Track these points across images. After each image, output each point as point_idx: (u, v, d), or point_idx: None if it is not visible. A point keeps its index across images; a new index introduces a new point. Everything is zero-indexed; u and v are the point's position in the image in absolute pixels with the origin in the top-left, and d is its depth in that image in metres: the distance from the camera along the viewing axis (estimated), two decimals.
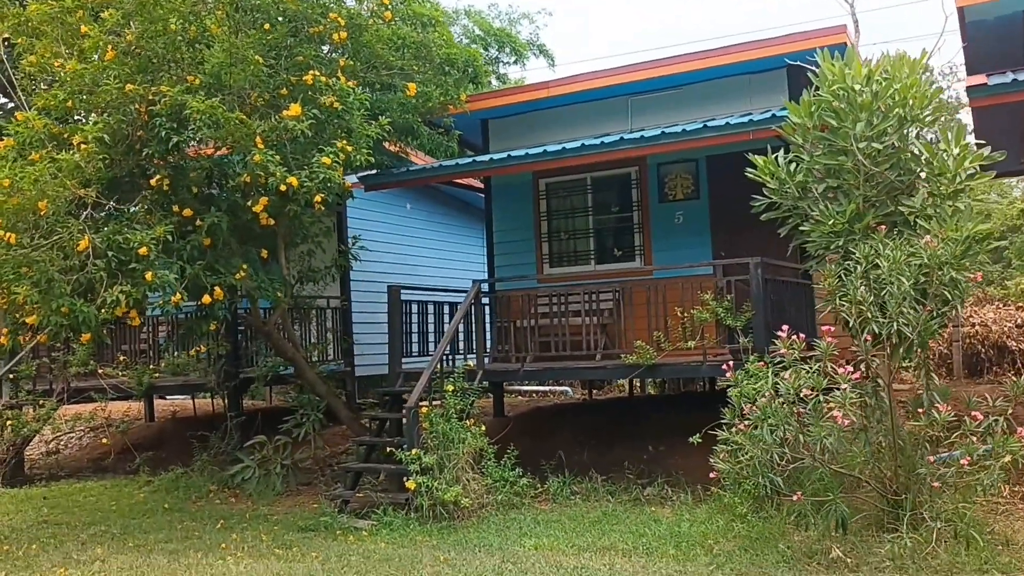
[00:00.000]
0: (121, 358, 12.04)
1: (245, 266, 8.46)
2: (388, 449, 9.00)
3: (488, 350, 10.86)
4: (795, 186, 7.80)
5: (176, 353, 11.21)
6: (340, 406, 11.00)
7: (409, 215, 15.04)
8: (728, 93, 10.80)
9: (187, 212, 8.12)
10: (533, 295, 10.58)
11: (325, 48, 8.87)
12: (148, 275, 7.44)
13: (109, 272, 7.55)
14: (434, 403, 9.11)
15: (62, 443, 14.09)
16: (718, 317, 8.73)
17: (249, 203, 8.06)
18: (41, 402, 11.87)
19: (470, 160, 10.46)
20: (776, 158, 7.85)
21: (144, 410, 15.07)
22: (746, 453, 6.77)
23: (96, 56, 8.08)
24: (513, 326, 10.82)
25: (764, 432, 6.42)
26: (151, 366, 11.45)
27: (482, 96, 11.65)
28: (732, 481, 7.16)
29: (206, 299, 8.02)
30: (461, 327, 10.47)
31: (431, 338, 11.20)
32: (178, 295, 7.71)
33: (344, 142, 7.91)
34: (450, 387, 9.02)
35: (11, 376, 11.98)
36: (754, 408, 6.65)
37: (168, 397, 16.08)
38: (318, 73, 8.02)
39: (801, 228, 7.89)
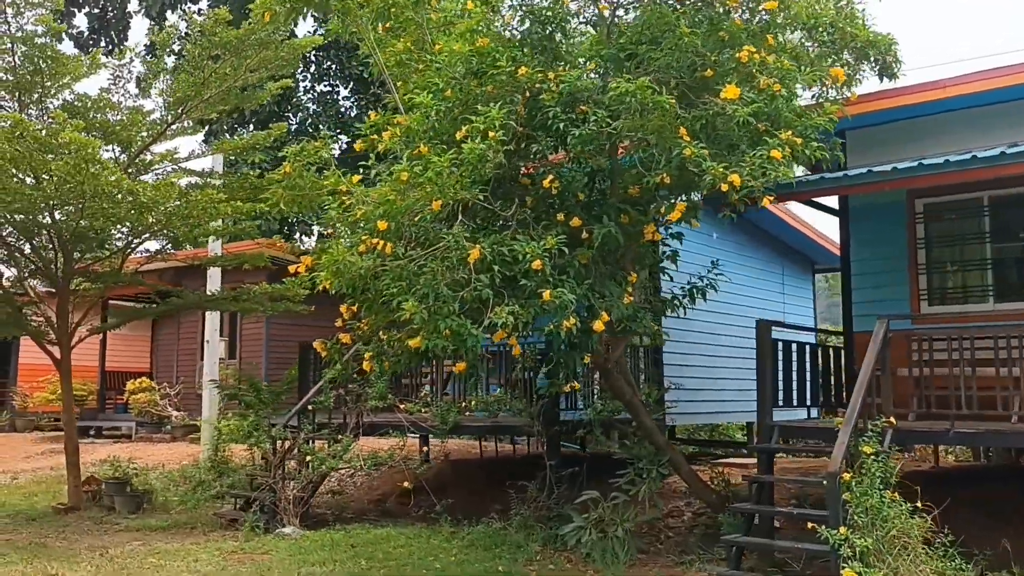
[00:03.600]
0: (423, 392, 10.98)
1: (630, 289, 7.03)
2: (808, 523, 7.22)
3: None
4: None
5: (498, 390, 9.97)
6: (681, 460, 9.37)
7: (713, 244, 13.36)
8: None
9: (575, 221, 6.78)
10: (969, 334, 8.28)
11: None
12: (546, 293, 6.11)
13: (493, 288, 6.29)
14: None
15: (341, 482, 13.25)
16: None
17: (662, 210, 6.62)
18: (338, 437, 10.97)
19: (887, 169, 8.26)
20: None
21: (420, 450, 14.06)
22: None
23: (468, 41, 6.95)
24: (893, 376, 8.86)
25: None
26: (462, 402, 10.28)
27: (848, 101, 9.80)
28: None
29: (598, 326, 6.60)
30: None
31: (790, 383, 9.39)
32: (573, 319, 6.34)
33: (789, 132, 6.34)
34: (868, 448, 7.17)
35: (309, 408, 11.18)
36: None
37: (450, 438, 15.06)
38: (753, 49, 6.52)
39: None
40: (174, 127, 12.24)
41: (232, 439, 10.81)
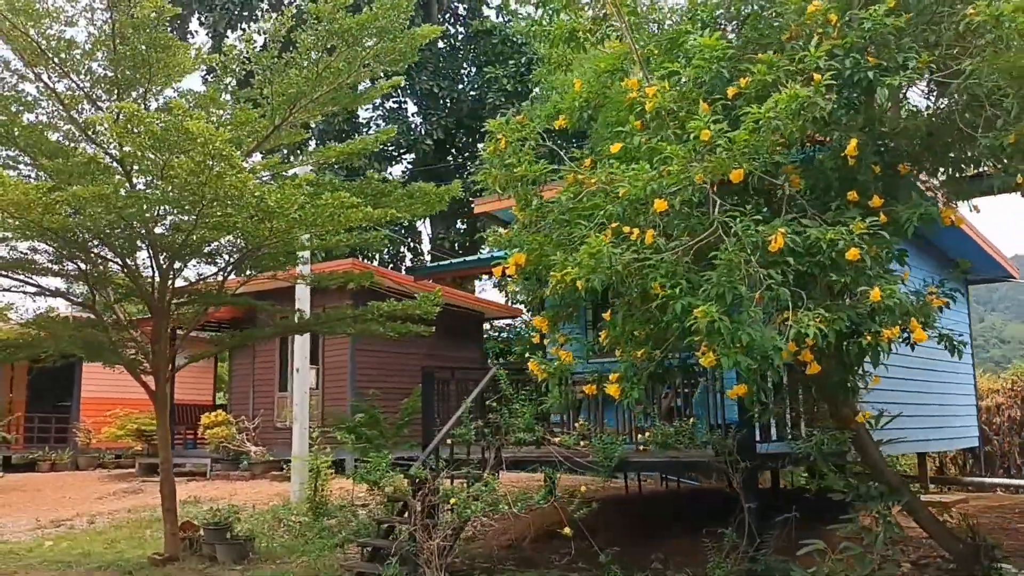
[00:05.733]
0: (579, 423, 9.53)
1: (935, 288, 5.58)
2: None
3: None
4: None
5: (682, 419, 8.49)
6: (919, 503, 7.83)
7: None
8: None
9: (875, 201, 5.34)
10: None
11: None
12: (874, 292, 4.66)
13: (788, 287, 4.86)
14: None
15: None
16: None
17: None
18: (481, 475, 9.53)
19: None
20: None
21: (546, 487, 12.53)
22: None
23: None
24: None
25: None
26: (630, 434, 8.81)
27: None
28: None
29: (919, 335, 5.15)
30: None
31: None
32: (896, 328, 4.88)
33: None
34: None
35: (448, 441, 9.76)
36: None
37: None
38: None
39: None
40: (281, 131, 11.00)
41: (363, 479, 9.38)
